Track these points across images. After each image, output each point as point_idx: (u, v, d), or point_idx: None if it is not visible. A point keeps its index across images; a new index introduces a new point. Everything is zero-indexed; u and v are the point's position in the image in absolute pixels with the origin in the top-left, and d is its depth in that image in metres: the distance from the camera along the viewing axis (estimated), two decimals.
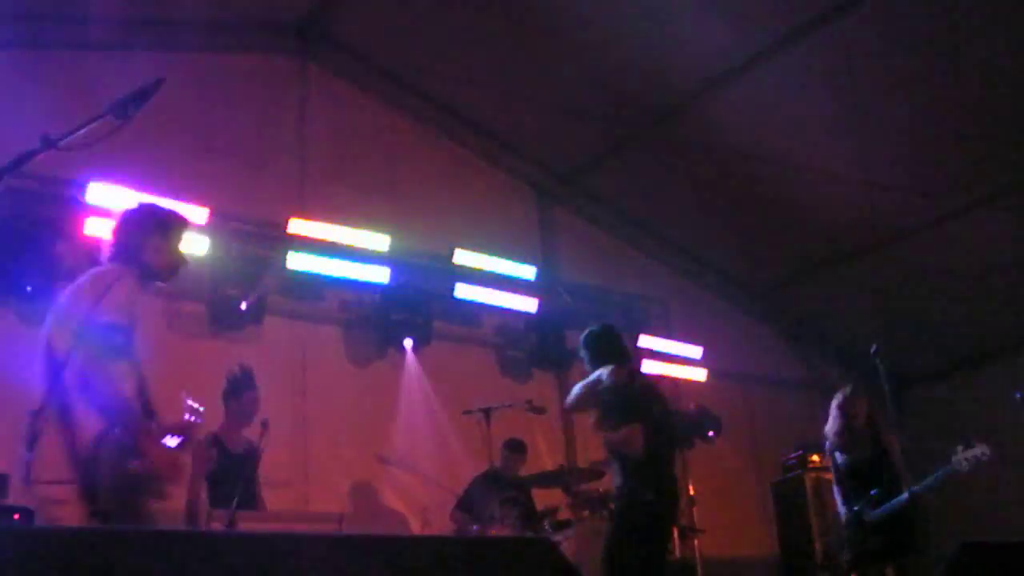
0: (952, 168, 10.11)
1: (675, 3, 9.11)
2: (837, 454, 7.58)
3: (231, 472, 6.77)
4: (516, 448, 8.81)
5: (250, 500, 6.73)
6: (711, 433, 10.83)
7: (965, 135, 9.69)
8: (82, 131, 3.41)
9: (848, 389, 7.63)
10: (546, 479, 8.67)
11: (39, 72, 8.14)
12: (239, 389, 7.07)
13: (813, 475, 10.08)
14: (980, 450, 6.77)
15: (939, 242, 10.92)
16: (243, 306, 8.69)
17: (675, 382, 11.69)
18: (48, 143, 3.35)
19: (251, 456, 6.97)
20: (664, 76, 9.90)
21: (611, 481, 6.74)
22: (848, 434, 7.46)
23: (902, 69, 9.19)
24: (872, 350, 7.16)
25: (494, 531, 7.76)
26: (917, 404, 11.05)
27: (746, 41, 9.39)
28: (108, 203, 7.99)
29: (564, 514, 8.52)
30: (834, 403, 7.60)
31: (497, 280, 10.41)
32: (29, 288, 7.69)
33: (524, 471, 8.83)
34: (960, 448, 6.86)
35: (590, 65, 9.82)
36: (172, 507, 6.73)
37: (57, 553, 2.67)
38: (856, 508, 7.30)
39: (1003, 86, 9.16)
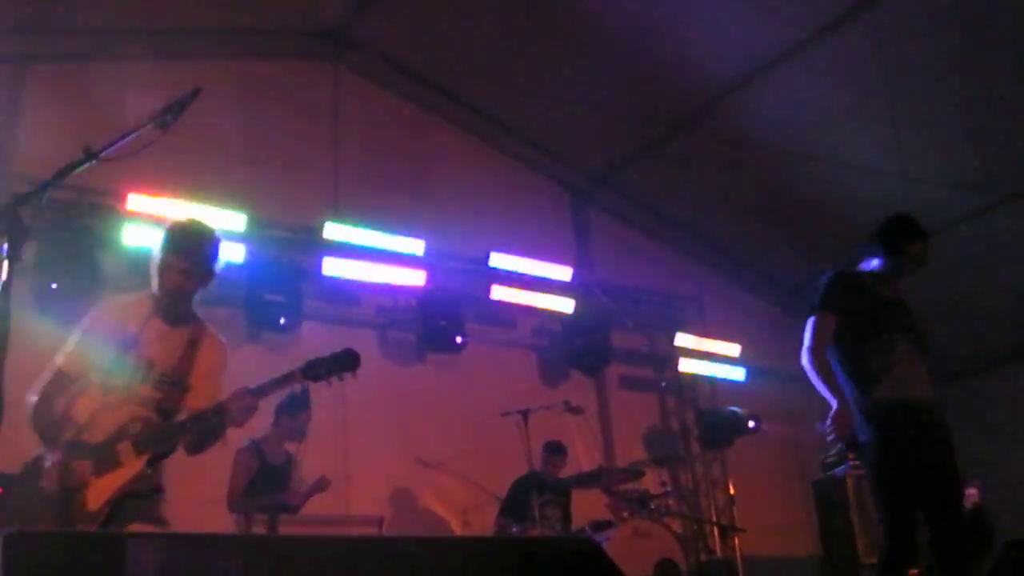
0: (989, 160, 9.97)
1: (706, 2, 9.09)
2: None
3: (268, 482, 6.94)
4: (556, 450, 8.79)
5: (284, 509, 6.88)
6: (752, 424, 10.78)
7: (1001, 126, 9.58)
8: (122, 142, 3.44)
9: None
10: (586, 480, 8.66)
11: (76, 84, 8.24)
12: (295, 407, 7.11)
13: (854, 473, 9.99)
14: None
15: (976, 236, 10.76)
16: (282, 321, 8.75)
17: (712, 381, 11.66)
18: (90, 155, 3.37)
19: (287, 467, 7.16)
20: (696, 74, 9.87)
21: None
22: None
23: (934, 62, 9.10)
24: None
25: (535, 532, 7.76)
26: (956, 400, 10.90)
27: (778, 37, 9.34)
28: (147, 212, 8.09)
29: (604, 514, 8.51)
30: None
31: (533, 282, 10.41)
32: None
33: (563, 472, 8.82)
34: None
35: (622, 65, 9.79)
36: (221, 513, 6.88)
37: (84, 555, 2.70)
38: None
39: None
